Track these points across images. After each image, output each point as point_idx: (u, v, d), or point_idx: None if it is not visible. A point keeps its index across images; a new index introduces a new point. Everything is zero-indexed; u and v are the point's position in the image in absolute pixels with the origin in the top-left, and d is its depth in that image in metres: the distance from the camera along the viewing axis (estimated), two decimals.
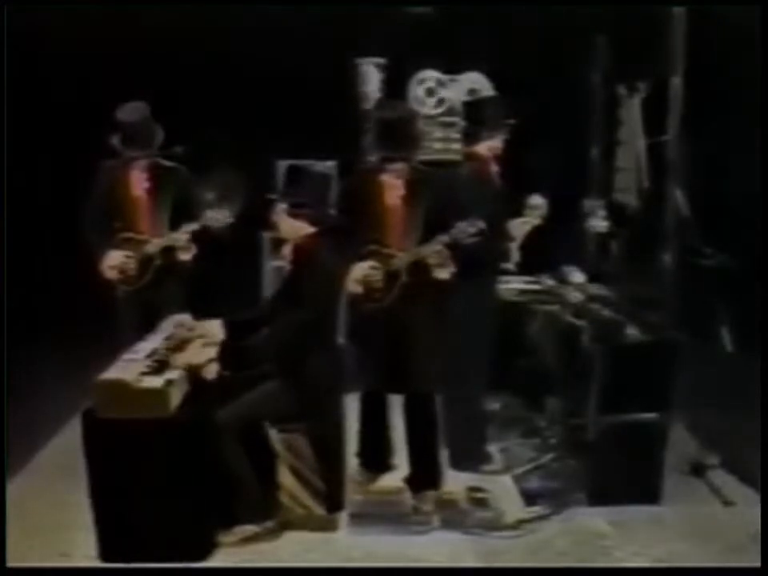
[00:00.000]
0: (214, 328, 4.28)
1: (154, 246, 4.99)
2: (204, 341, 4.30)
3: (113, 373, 4.04)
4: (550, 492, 4.65)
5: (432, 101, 6.84)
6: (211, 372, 4.18)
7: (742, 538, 4.19)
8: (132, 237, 5.01)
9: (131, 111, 4.95)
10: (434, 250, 4.33)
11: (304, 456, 4.30)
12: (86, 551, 4.07)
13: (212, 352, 4.22)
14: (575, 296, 5.10)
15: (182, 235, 4.98)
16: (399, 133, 4.43)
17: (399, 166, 4.45)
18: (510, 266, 5.02)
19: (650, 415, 4.52)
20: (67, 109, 6.40)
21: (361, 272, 4.41)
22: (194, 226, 4.97)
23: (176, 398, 4.02)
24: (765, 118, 4.82)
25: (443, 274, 4.37)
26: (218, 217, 4.95)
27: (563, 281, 5.32)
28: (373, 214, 4.47)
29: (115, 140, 4.96)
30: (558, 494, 4.61)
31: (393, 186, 4.47)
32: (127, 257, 4.97)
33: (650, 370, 4.51)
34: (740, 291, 4.85)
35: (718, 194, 5.41)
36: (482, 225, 4.27)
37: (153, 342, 4.38)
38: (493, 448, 5.12)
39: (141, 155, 4.98)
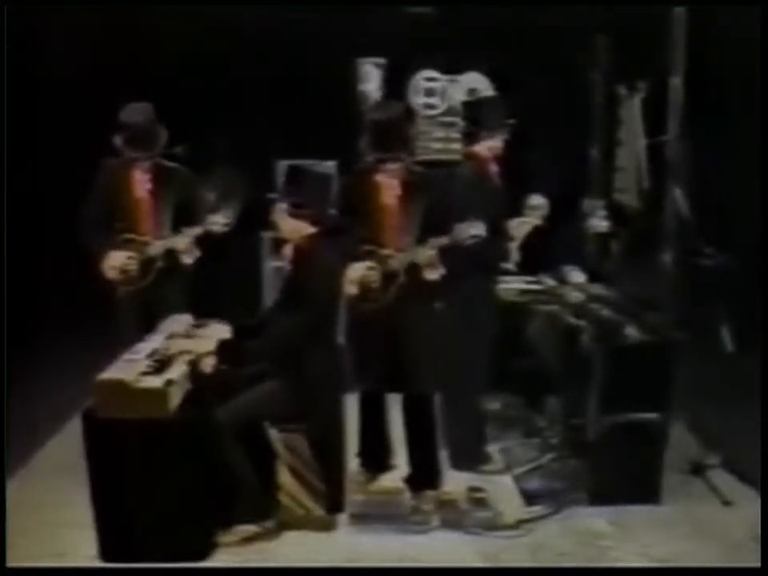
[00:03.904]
0: (221, 331, 4.29)
1: (156, 247, 4.98)
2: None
3: (113, 373, 4.04)
4: (550, 492, 4.65)
5: (432, 101, 6.84)
6: (208, 364, 4.18)
7: (741, 538, 4.19)
8: (133, 238, 4.99)
9: (136, 112, 4.92)
10: (433, 252, 4.34)
11: (304, 456, 4.30)
12: (86, 551, 4.07)
13: (212, 344, 4.23)
14: (575, 296, 5.11)
15: (184, 239, 4.97)
16: (392, 133, 4.43)
17: (394, 166, 4.46)
18: (510, 266, 5.02)
19: (650, 415, 4.52)
20: (68, 109, 6.39)
21: (357, 272, 4.41)
22: (196, 231, 4.95)
23: (176, 397, 4.02)
24: (765, 118, 4.82)
25: (433, 274, 4.39)
26: (220, 221, 4.94)
27: (563, 281, 5.33)
28: (369, 214, 4.47)
29: (118, 140, 4.93)
30: (558, 493, 4.62)
31: (389, 187, 4.48)
32: (129, 257, 4.96)
33: (650, 370, 4.51)
34: (740, 291, 4.85)
35: (718, 193, 5.40)
36: (481, 227, 4.28)
37: (153, 342, 4.38)
38: (493, 448, 5.12)
39: (143, 156, 4.97)
